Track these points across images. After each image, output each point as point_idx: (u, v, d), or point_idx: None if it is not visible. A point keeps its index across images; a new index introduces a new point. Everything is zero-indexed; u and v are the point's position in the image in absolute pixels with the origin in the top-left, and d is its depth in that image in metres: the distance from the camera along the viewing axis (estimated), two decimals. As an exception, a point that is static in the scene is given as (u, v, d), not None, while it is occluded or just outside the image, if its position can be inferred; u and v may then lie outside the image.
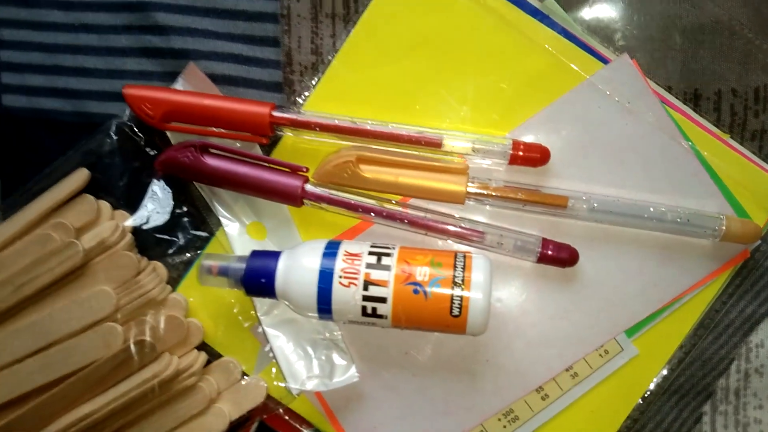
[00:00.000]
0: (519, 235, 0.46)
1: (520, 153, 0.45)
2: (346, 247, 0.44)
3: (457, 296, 0.41)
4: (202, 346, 0.49)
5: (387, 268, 0.42)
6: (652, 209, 0.45)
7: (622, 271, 0.47)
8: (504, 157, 0.46)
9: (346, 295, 0.42)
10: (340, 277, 0.42)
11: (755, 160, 0.47)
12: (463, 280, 0.42)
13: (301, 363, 0.47)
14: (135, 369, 0.46)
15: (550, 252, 0.45)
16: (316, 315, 0.43)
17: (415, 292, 0.42)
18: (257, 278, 0.44)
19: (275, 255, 0.44)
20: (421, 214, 0.46)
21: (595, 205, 0.45)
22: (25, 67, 0.51)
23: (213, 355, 0.49)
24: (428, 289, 0.42)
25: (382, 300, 0.42)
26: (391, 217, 0.46)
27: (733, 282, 0.47)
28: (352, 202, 0.46)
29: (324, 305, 0.43)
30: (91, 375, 0.46)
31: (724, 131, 0.48)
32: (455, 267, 0.42)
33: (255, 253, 0.45)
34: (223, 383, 0.48)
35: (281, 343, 0.47)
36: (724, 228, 0.45)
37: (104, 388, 0.46)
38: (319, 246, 0.44)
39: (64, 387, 0.46)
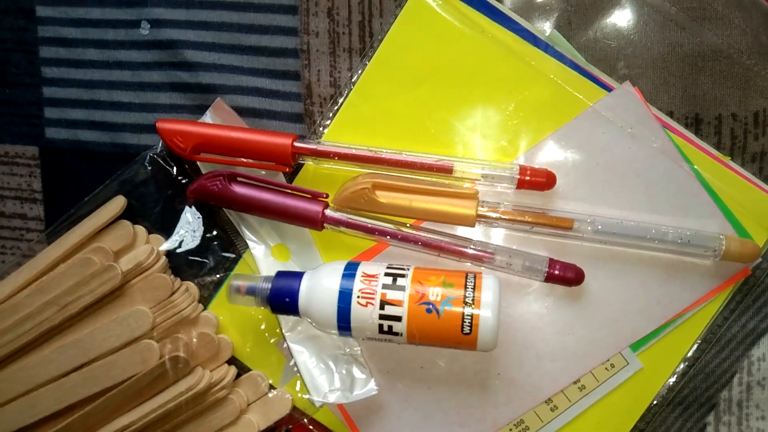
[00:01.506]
0: (527, 256, 0.48)
1: (527, 178, 0.48)
2: (363, 268, 0.47)
3: (468, 315, 0.44)
4: (232, 361, 0.52)
5: (402, 288, 0.45)
6: (654, 230, 0.48)
7: (626, 289, 0.49)
8: (512, 182, 0.48)
9: (363, 314, 0.45)
10: (358, 297, 0.46)
11: (755, 181, 0.49)
12: (473, 300, 0.44)
13: (323, 377, 0.50)
14: (170, 383, 0.50)
15: (556, 272, 0.48)
16: (337, 332, 0.47)
17: (429, 311, 0.45)
18: (282, 297, 0.47)
19: (298, 276, 0.48)
20: (434, 236, 0.49)
21: (600, 227, 0.48)
22: (65, 102, 0.55)
23: (242, 369, 0.52)
24: (441, 308, 0.45)
25: (398, 319, 0.45)
26: (405, 239, 0.49)
27: (735, 298, 0.49)
28: (369, 225, 0.49)
29: (343, 323, 0.46)
30: (129, 388, 0.49)
31: (724, 154, 0.50)
32: (466, 287, 0.45)
33: (280, 274, 0.48)
34: (251, 395, 0.52)
35: (305, 358, 0.50)
36: (723, 248, 0.47)
37: (142, 401, 0.50)
38: (339, 267, 0.47)
39: (105, 399, 0.49)
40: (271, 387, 0.52)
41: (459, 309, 0.45)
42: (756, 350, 0.50)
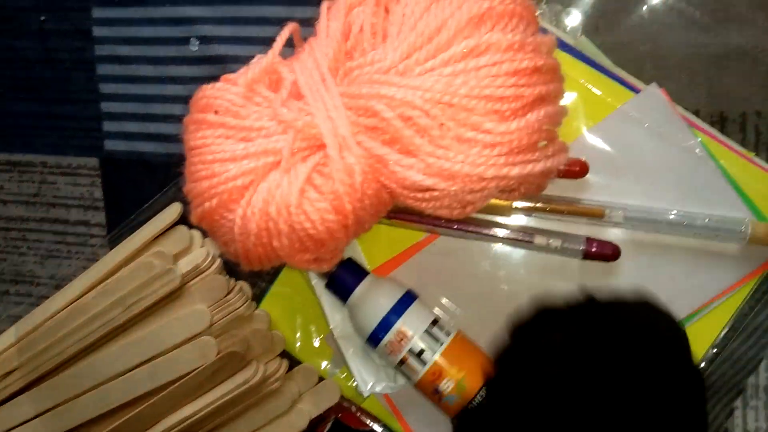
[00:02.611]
0: (565, 236, 0.51)
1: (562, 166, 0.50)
2: (405, 320, 0.50)
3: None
4: (284, 354, 0.56)
5: (423, 363, 0.49)
6: (683, 213, 0.50)
7: (655, 279, 0.52)
8: None
9: (385, 355, 0.51)
10: (386, 345, 0.50)
11: (780, 175, 0.51)
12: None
13: (369, 369, 0.54)
14: (227, 376, 0.53)
15: (594, 249, 0.50)
16: (365, 343, 0.51)
17: (435, 392, 0.50)
18: (339, 284, 0.52)
19: (361, 274, 0.52)
20: (476, 223, 0.52)
21: (630, 213, 0.50)
22: (122, 115, 0.59)
23: (293, 362, 0.56)
24: (444, 398, 0.49)
25: (409, 378, 0.51)
26: (449, 227, 0.52)
27: (761, 288, 0.52)
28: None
29: (371, 342, 0.51)
30: (190, 381, 0.53)
31: (749, 150, 0.51)
32: (478, 392, 0.49)
33: (348, 263, 0.52)
34: (303, 386, 0.55)
35: (351, 351, 0.54)
36: (750, 231, 0.49)
37: (202, 393, 0.53)
38: (394, 296, 0.51)
39: (168, 392, 0.53)
40: (321, 378, 0.56)
41: (456, 408, 0.49)
42: (783, 337, 0.52)
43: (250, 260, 0.43)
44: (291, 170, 0.39)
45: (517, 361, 0.46)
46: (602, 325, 0.43)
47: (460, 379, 0.49)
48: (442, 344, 0.50)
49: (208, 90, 0.42)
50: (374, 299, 0.51)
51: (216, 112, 0.41)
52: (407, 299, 0.51)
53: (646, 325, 0.44)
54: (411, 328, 0.50)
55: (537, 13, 0.43)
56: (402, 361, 0.50)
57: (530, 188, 0.46)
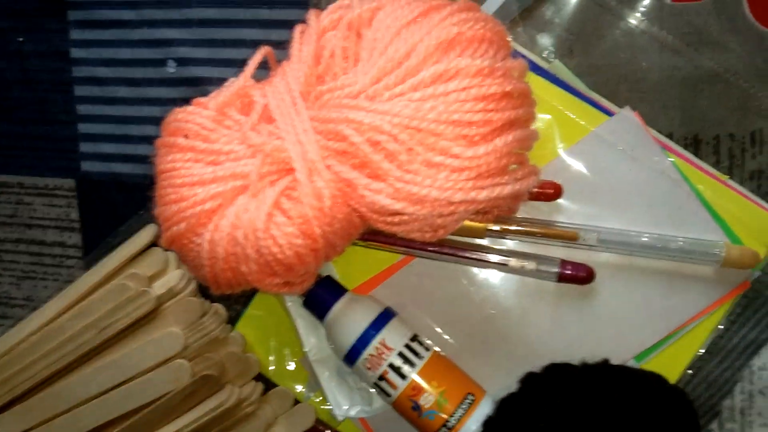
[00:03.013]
0: (540, 259, 0.51)
1: (535, 189, 0.50)
2: (385, 334, 0.50)
3: None
4: (259, 377, 0.56)
5: (403, 377, 0.49)
6: (656, 236, 0.50)
7: (631, 302, 0.52)
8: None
9: (364, 372, 0.50)
10: (365, 360, 0.50)
11: (754, 198, 0.51)
12: (453, 426, 0.49)
13: (343, 393, 0.53)
14: (202, 399, 0.53)
15: (568, 271, 0.50)
16: (342, 361, 0.51)
17: (414, 408, 0.49)
18: (316, 303, 0.52)
19: (339, 293, 0.52)
20: (451, 245, 0.52)
21: (603, 236, 0.50)
22: (99, 137, 0.60)
23: (269, 385, 0.56)
24: (424, 414, 0.49)
25: (388, 395, 0.50)
26: (424, 249, 0.52)
27: (735, 310, 0.52)
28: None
29: (348, 361, 0.51)
30: (164, 405, 0.52)
31: (723, 173, 0.52)
32: (458, 408, 0.49)
33: (326, 280, 0.53)
34: (278, 409, 0.55)
35: (326, 375, 0.54)
36: (724, 253, 0.49)
37: (176, 416, 0.53)
38: (374, 311, 0.51)
39: (141, 415, 0.52)
40: (296, 401, 0.55)
41: (436, 425, 0.49)
42: (757, 360, 0.52)
43: (219, 284, 0.43)
44: (259, 194, 0.39)
45: (520, 407, 0.47)
46: (612, 389, 0.45)
47: (440, 394, 0.49)
48: (422, 359, 0.50)
49: (179, 113, 0.42)
50: (353, 315, 0.51)
51: (186, 136, 0.41)
52: (386, 315, 0.51)
53: (656, 394, 0.45)
54: (391, 342, 0.50)
55: (508, 38, 0.44)
56: (381, 377, 0.49)
57: (502, 210, 0.46)
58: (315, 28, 0.43)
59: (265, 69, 0.46)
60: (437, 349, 0.52)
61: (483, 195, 0.40)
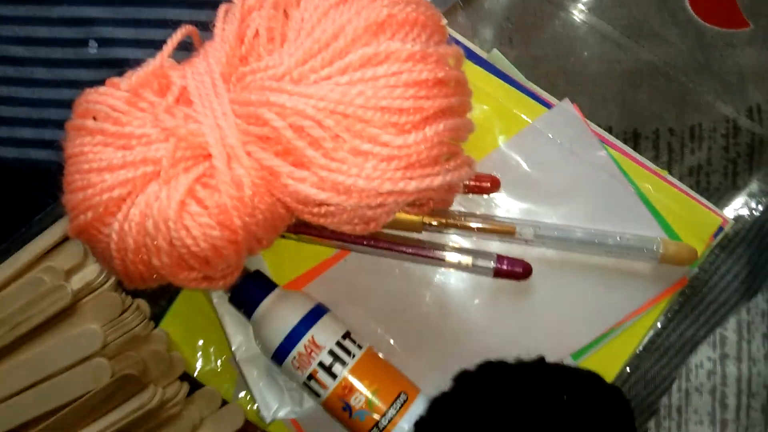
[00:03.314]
0: (476, 254, 0.50)
1: (471, 182, 0.50)
2: (316, 331, 0.48)
3: None
4: (184, 377, 0.53)
5: (334, 376, 0.48)
6: (593, 231, 0.49)
7: (569, 299, 0.51)
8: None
9: (292, 372, 0.48)
10: (294, 358, 0.48)
11: (692, 194, 0.51)
12: (384, 427, 0.47)
13: (273, 393, 0.51)
14: (123, 400, 0.50)
15: (505, 266, 0.49)
16: (270, 360, 0.49)
17: (344, 409, 0.48)
18: (243, 298, 0.50)
19: (268, 288, 0.50)
20: (387, 239, 0.50)
21: (540, 231, 0.49)
22: (14, 120, 0.56)
23: (195, 386, 0.53)
24: (354, 414, 0.47)
25: (318, 395, 0.48)
26: (358, 242, 0.50)
27: (673, 307, 0.52)
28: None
29: (277, 360, 0.49)
30: (82, 406, 0.50)
31: (662, 168, 0.51)
32: (390, 408, 0.47)
33: (255, 275, 0.51)
34: (204, 410, 0.53)
35: (254, 375, 0.52)
36: (661, 250, 0.48)
37: (95, 418, 0.50)
38: (305, 307, 0.49)
39: (58, 418, 0.50)
40: (224, 402, 0.53)
41: (367, 426, 0.47)
42: (694, 357, 0.52)
43: (130, 278, 0.40)
44: (171, 181, 0.37)
45: (452, 406, 0.45)
46: (547, 387, 0.44)
47: (372, 394, 0.47)
48: (354, 357, 0.48)
49: (90, 94, 0.40)
50: (282, 312, 0.49)
51: (95, 118, 0.39)
52: (317, 311, 0.49)
53: (591, 392, 0.44)
54: (321, 339, 0.48)
55: (443, 23, 0.42)
56: (310, 376, 0.47)
57: (437, 203, 0.44)
58: (239, 7, 0.41)
59: (191, 51, 0.43)
60: (370, 346, 0.50)
61: (413, 186, 0.38)
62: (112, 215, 0.38)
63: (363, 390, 0.47)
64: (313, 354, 0.47)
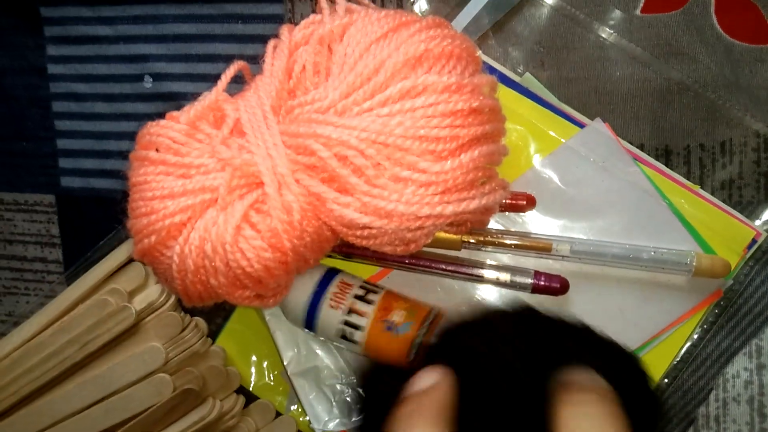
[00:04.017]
0: (514, 270, 0.52)
1: (508, 200, 0.52)
2: (343, 276, 0.51)
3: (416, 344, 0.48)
4: (240, 390, 0.56)
5: (370, 302, 0.50)
6: (628, 246, 0.51)
7: (605, 314, 0.52)
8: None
9: (330, 316, 0.50)
10: (330, 299, 0.50)
11: (725, 207, 0.52)
12: (423, 335, 0.49)
13: (322, 406, 0.54)
14: (184, 413, 0.54)
15: (542, 282, 0.51)
16: (302, 325, 0.51)
17: (388, 329, 0.49)
18: None
19: None
20: (427, 257, 0.52)
21: (577, 246, 0.51)
22: (78, 152, 0.60)
23: (250, 398, 0.57)
24: (399, 330, 0.49)
25: (359, 328, 0.50)
26: (400, 261, 0.52)
27: (709, 319, 0.53)
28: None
29: (310, 318, 0.51)
30: (147, 419, 0.53)
31: (694, 183, 0.53)
32: (424, 321, 0.49)
33: None
34: (259, 422, 0.56)
35: (305, 388, 0.54)
36: (695, 263, 0.50)
37: (159, 430, 0.54)
38: (320, 270, 0.52)
39: (124, 430, 0.53)
40: (277, 413, 0.56)
41: (410, 337, 0.49)
42: (730, 368, 0.53)
43: (190, 297, 0.43)
44: (227, 208, 0.40)
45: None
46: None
47: (408, 307, 0.50)
48: (381, 289, 0.51)
49: (152, 127, 0.43)
50: (300, 280, 0.51)
51: (157, 150, 0.42)
52: (334, 271, 0.52)
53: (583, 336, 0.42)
54: (349, 279, 0.51)
55: (478, 53, 0.44)
56: (350, 310, 0.50)
57: (474, 224, 0.46)
58: (287, 43, 0.44)
59: (241, 83, 0.46)
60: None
61: (450, 210, 0.40)
62: (174, 239, 0.41)
63: (401, 306, 0.50)
64: (346, 290, 0.50)
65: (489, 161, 0.42)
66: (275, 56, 0.44)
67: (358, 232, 0.42)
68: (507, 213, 0.53)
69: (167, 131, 0.43)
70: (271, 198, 0.40)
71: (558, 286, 0.51)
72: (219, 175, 0.40)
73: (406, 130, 0.39)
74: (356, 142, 0.39)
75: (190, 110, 0.43)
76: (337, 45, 0.43)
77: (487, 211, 0.44)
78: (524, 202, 0.52)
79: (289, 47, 0.44)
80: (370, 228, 0.41)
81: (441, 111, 0.40)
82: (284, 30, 0.45)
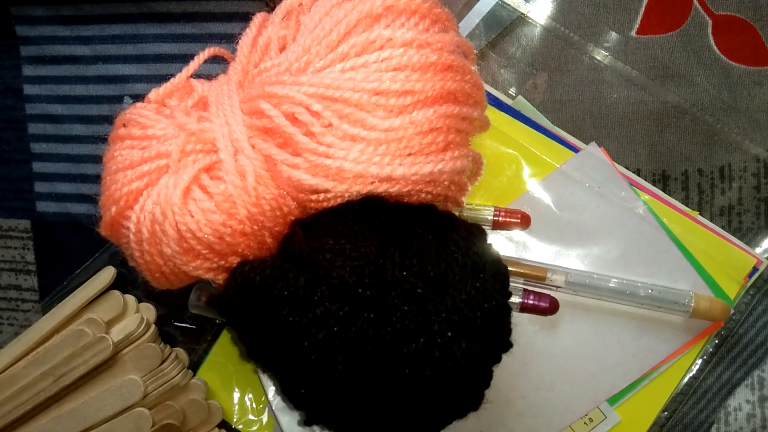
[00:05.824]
0: None
1: (501, 218, 0.51)
2: None
3: None
4: (222, 425, 0.55)
5: None
6: (625, 284, 0.50)
7: (603, 344, 0.52)
8: (488, 223, 0.51)
9: None
10: None
11: (724, 234, 0.52)
12: None
13: (308, 441, 0.53)
14: (164, 448, 0.52)
15: (531, 301, 0.50)
16: None
17: None
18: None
19: None
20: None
21: (572, 278, 0.50)
22: (54, 176, 0.59)
23: (232, 433, 0.55)
24: None
25: None
26: None
27: (709, 350, 0.52)
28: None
29: None
30: (124, 455, 0.52)
31: (692, 209, 0.52)
32: None
33: None
34: (242, 458, 0.54)
35: (290, 422, 0.53)
36: (693, 305, 0.49)
37: (137, 467, 0.53)
38: None
39: (101, 467, 0.52)
40: (262, 448, 0.54)
41: None
42: (732, 400, 0.52)
43: (152, 273, 0.44)
44: (179, 171, 0.40)
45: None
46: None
47: None
48: None
49: (127, 109, 0.44)
50: None
51: (125, 125, 0.43)
52: None
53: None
54: None
55: (446, 13, 0.43)
56: None
57: (448, 200, 0.45)
58: (256, 22, 0.44)
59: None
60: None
61: (400, 171, 0.40)
62: (131, 208, 0.42)
63: None
64: None
65: (452, 124, 0.41)
66: (243, 35, 0.45)
67: (313, 197, 0.41)
68: (500, 233, 0.52)
69: (139, 110, 0.44)
70: (225, 162, 0.40)
71: (547, 306, 0.50)
72: (175, 141, 0.41)
73: (356, 83, 0.39)
74: (303, 98, 0.39)
75: (160, 89, 0.44)
76: (303, 16, 0.43)
77: (455, 185, 0.43)
78: (518, 220, 0.51)
79: (257, 25, 0.44)
80: (324, 191, 0.40)
81: (395, 65, 0.39)
82: (257, 15, 0.45)
